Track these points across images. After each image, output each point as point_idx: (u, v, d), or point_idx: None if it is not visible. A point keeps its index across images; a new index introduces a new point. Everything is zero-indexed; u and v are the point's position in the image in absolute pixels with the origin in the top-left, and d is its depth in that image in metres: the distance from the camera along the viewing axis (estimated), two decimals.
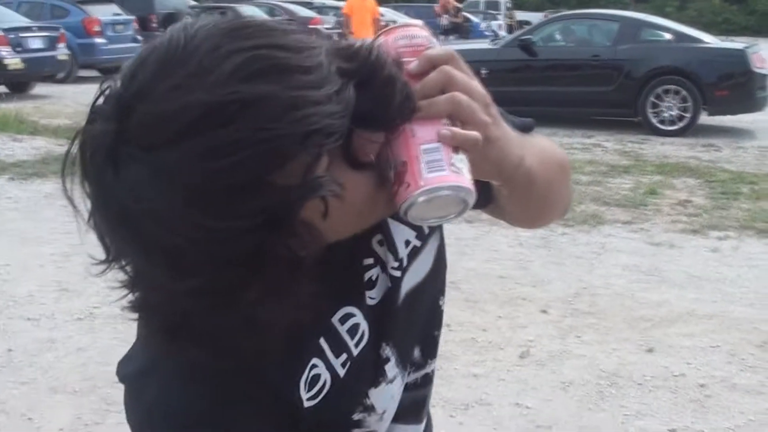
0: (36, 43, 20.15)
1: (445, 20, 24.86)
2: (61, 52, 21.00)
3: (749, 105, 15.28)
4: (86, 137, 0.98)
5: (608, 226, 8.71)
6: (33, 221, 8.75)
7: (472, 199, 1.07)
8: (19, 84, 20.48)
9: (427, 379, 1.52)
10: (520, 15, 53.76)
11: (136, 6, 25.60)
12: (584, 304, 6.58)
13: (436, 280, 1.47)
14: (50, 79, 21.23)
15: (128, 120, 0.93)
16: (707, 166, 11.94)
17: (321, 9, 39.07)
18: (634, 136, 14.63)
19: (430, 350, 1.50)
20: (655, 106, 14.98)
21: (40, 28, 20.94)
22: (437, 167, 1.04)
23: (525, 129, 1.36)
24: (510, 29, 40.90)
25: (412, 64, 1.10)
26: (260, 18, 1.05)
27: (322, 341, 1.27)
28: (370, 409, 1.37)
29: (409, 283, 1.38)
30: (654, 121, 14.98)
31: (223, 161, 0.90)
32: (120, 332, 5.68)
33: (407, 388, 1.45)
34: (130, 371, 1.24)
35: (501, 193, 1.30)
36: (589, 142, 14.10)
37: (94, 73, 23.54)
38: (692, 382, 5.26)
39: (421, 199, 1.04)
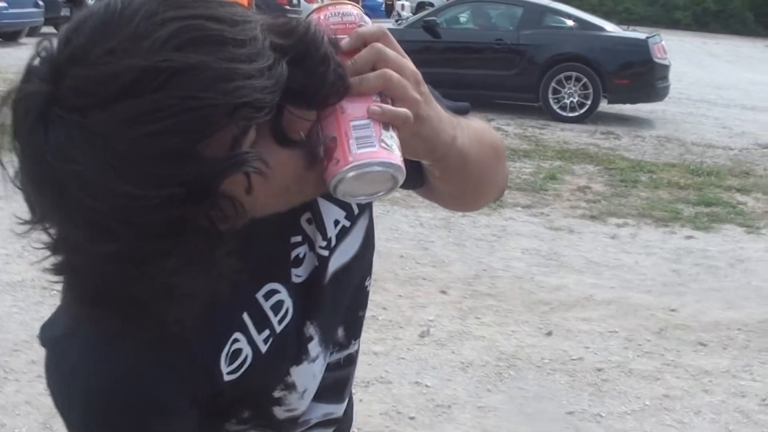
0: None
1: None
2: None
3: (649, 94, 15.50)
4: (19, 96, 0.98)
5: (509, 210, 8.74)
6: None
7: (401, 176, 1.08)
8: None
9: (350, 360, 1.52)
10: None
11: None
12: (484, 286, 6.59)
13: (363, 261, 1.47)
14: None
15: (61, 82, 0.94)
16: (606, 153, 12.06)
17: None
18: (534, 121, 14.72)
19: (354, 330, 1.51)
20: (556, 92, 15.08)
21: None
22: (367, 143, 1.05)
23: (460, 112, 1.35)
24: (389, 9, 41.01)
25: (344, 41, 1.11)
26: None
27: (245, 316, 1.26)
28: (291, 387, 1.37)
29: (336, 262, 1.38)
30: (555, 107, 15.09)
31: (150, 127, 0.90)
32: (19, 300, 5.52)
33: (329, 367, 1.45)
34: (52, 335, 1.23)
35: (433, 174, 1.30)
36: (491, 125, 14.10)
37: None
38: (590, 366, 5.29)
39: (350, 174, 1.05)
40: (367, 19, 1.16)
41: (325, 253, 1.35)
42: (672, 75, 16.04)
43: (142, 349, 1.14)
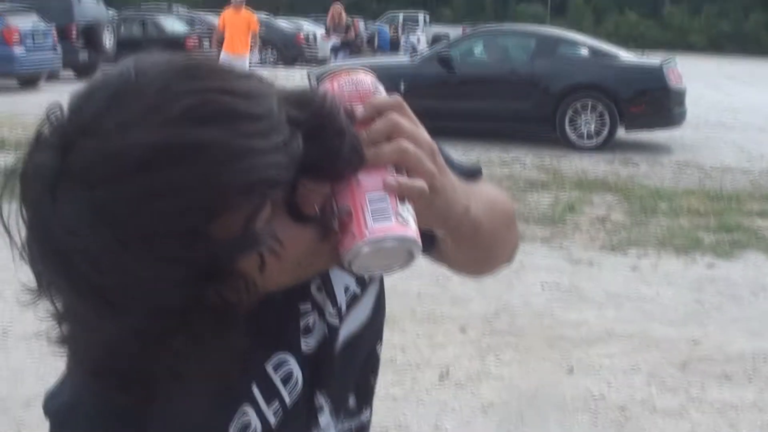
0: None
1: (334, 38, 23.60)
2: None
3: (666, 120, 15.45)
4: (28, 165, 0.96)
5: (527, 244, 8.64)
6: None
7: (417, 251, 1.06)
8: None
9: (362, 427, 1.47)
10: (438, 29, 54.24)
11: (56, 16, 25.21)
12: (503, 323, 6.51)
13: (374, 327, 1.43)
14: None
15: (71, 154, 0.91)
16: (625, 182, 11.99)
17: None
18: (552, 152, 14.68)
19: (365, 397, 1.47)
20: (572, 121, 15.05)
21: None
22: (383, 217, 1.03)
23: (472, 175, 1.35)
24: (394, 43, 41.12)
25: (359, 110, 1.09)
26: (213, 60, 1.02)
27: (254, 388, 1.23)
28: None
29: (346, 330, 1.35)
30: (572, 136, 15.05)
31: (162, 205, 0.89)
32: (33, 352, 5.50)
33: None
34: (55, 406, 1.19)
35: (445, 242, 1.27)
36: (508, 157, 14.10)
37: (13, 82, 23.22)
38: (612, 404, 5.21)
39: (365, 249, 1.03)
40: (381, 87, 1.14)
41: (336, 321, 1.32)
42: (688, 99, 16.01)
43: (148, 426, 1.12)
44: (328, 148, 1.01)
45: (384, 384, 5.31)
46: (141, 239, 0.90)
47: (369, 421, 1.49)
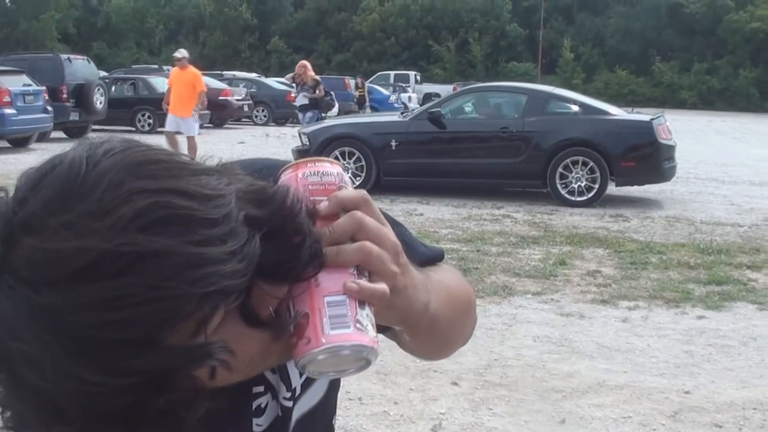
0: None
1: (301, 96, 22.11)
2: None
3: (656, 176, 15.56)
4: None
5: (519, 297, 8.73)
6: None
7: (374, 358, 1.02)
8: None
9: None
10: (429, 87, 54.60)
11: (47, 77, 25.36)
12: (495, 376, 6.54)
13: (328, 404, 1.41)
14: None
15: (13, 250, 0.87)
16: (616, 236, 12.06)
17: (231, 81, 39.37)
18: (543, 207, 14.76)
19: None
20: (563, 177, 15.14)
21: None
22: (341, 324, 0.99)
23: (433, 259, 1.34)
24: (361, 101, 40.99)
25: (322, 204, 1.04)
26: (169, 152, 0.97)
27: None
28: None
29: (300, 410, 1.32)
30: (563, 192, 15.14)
31: (110, 315, 0.84)
32: None
33: None
34: None
35: (402, 336, 1.25)
36: (499, 213, 14.17)
37: (3, 143, 23.29)
38: None
39: (321, 357, 0.99)
40: (347, 179, 1.10)
41: (289, 403, 1.29)
42: (679, 154, 16.15)
43: None
44: (286, 250, 0.96)
45: None
46: (86, 347, 0.84)
47: None
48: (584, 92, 20.20)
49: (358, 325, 0.99)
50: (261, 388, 1.25)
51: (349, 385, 6.05)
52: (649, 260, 10.42)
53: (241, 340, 0.96)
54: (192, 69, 18.63)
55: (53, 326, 0.84)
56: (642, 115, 16.94)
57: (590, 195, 15.07)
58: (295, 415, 1.31)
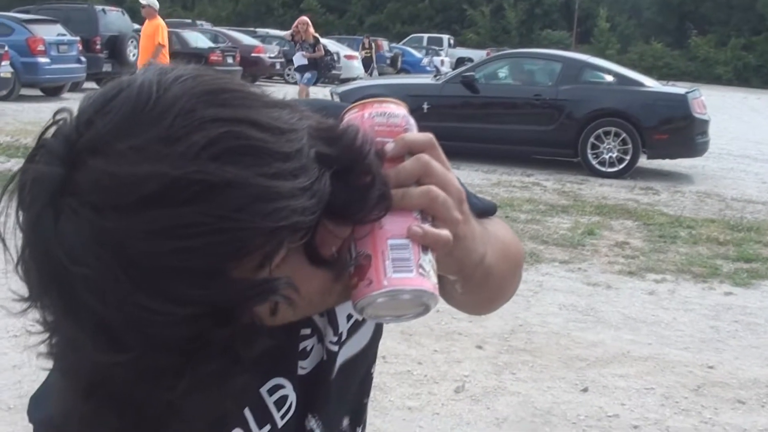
0: None
1: (299, 56, 20.44)
2: (5, 70, 20.72)
3: (689, 150, 15.46)
4: (29, 175, 0.87)
5: (546, 265, 8.72)
6: None
7: (434, 304, 1.00)
8: None
9: None
10: (462, 52, 54.33)
11: (81, 27, 25.40)
12: (520, 342, 6.55)
13: (371, 351, 1.41)
14: None
15: (78, 170, 0.84)
16: (645, 209, 12.02)
17: (264, 38, 39.30)
18: (573, 177, 14.73)
19: (358, 418, 1.45)
20: (594, 147, 15.07)
21: None
22: (404, 267, 0.97)
23: (487, 212, 1.31)
24: (366, 62, 40.20)
25: (388, 145, 1.02)
26: (241, 82, 0.94)
27: (247, 411, 1.19)
28: None
29: (344, 355, 1.32)
30: (593, 162, 15.07)
31: (176, 243, 0.81)
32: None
33: None
34: (40, 417, 1.15)
35: (454, 287, 1.20)
36: (529, 180, 14.15)
37: (36, 92, 23.37)
38: (626, 423, 5.23)
39: (381, 300, 0.97)
40: (412, 121, 1.07)
41: (335, 348, 1.28)
42: (712, 130, 16.00)
43: None
44: (355, 191, 0.94)
45: (400, 395, 5.38)
46: (150, 274, 0.82)
47: None
48: (618, 63, 20.00)
49: (420, 270, 0.97)
50: (308, 331, 1.25)
51: None
52: (678, 234, 10.39)
53: (302, 278, 0.94)
54: (157, 20, 17.90)
55: (117, 251, 0.82)
56: (677, 88, 16.82)
57: (621, 166, 15.01)
58: (339, 360, 1.30)
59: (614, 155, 14.99)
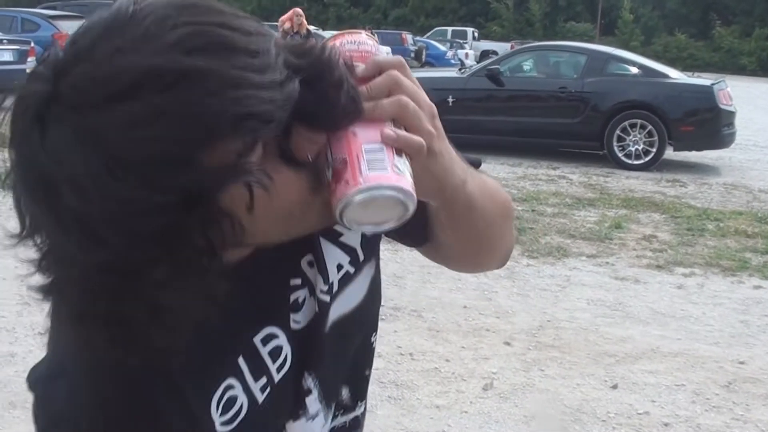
0: (6, 56, 19.85)
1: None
2: (31, 66, 20.56)
3: (715, 141, 15.33)
4: (18, 97, 0.96)
5: (573, 259, 8.67)
6: None
7: (412, 204, 1.03)
8: None
9: (356, 423, 1.46)
10: (486, 45, 54.26)
11: None
12: (548, 338, 6.51)
13: (368, 314, 1.41)
14: None
15: (63, 80, 0.91)
16: (672, 201, 11.94)
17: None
18: (599, 169, 14.65)
19: (359, 391, 1.45)
20: (620, 139, 14.98)
21: (11, 41, 20.65)
22: (379, 166, 1.01)
23: (472, 164, 1.31)
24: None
25: (360, 67, 1.08)
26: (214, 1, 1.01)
27: (241, 360, 1.20)
28: None
29: (337, 310, 1.31)
30: (620, 154, 14.98)
31: (151, 130, 0.88)
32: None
33: (335, 431, 1.39)
34: (39, 376, 1.19)
35: (438, 220, 1.27)
36: (555, 173, 14.09)
37: None
38: (656, 421, 5.19)
39: (359, 197, 1.00)
40: (382, 49, 1.15)
41: (326, 298, 1.28)
42: (738, 121, 15.90)
43: (133, 390, 1.09)
44: (325, 95, 0.99)
45: (428, 393, 5.36)
46: (128, 164, 0.89)
47: (363, 415, 1.48)
48: (642, 55, 19.90)
49: (395, 169, 1.01)
50: (298, 281, 1.27)
51: (400, 339, 6.06)
52: (706, 227, 10.31)
53: (279, 179, 0.99)
54: None
55: (98, 147, 0.89)
56: (703, 79, 16.72)
57: (647, 159, 14.90)
58: (332, 314, 1.30)
59: (640, 147, 14.90)
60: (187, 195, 0.91)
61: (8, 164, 0.98)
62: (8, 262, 7.52)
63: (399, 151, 1.03)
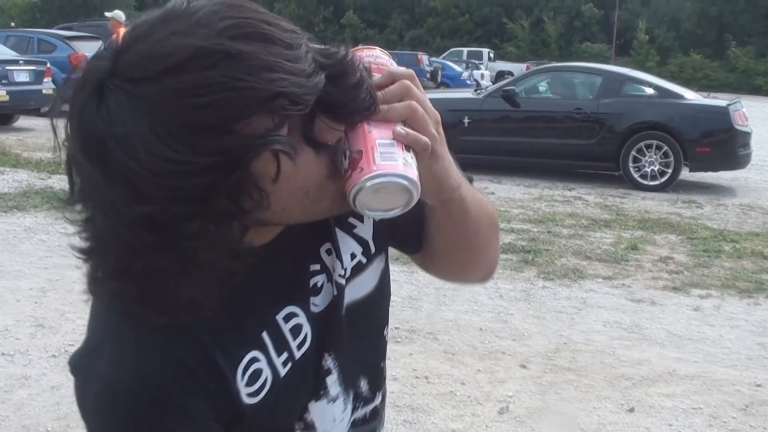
0: (22, 77, 19.89)
1: None
2: (47, 87, 20.74)
3: (731, 162, 15.30)
4: (80, 76, 1.10)
5: (589, 281, 8.64)
6: (12, 254, 8.62)
7: (417, 193, 1.18)
8: (3, 116, 20.31)
9: (375, 413, 1.55)
10: (502, 66, 54.28)
11: None
12: (564, 360, 6.48)
13: (380, 305, 1.54)
14: (35, 112, 21.00)
15: (122, 57, 1.06)
16: (689, 222, 11.89)
17: None
18: (615, 190, 14.62)
19: (377, 382, 1.55)
20: (636, 160, 14.96)
21: (27, 62, 20.67)
22: (390, 158, 1.16)
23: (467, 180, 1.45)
24: None
25: (376, 77, 1.25)
26: (255, 3, 1.15)
27: (265, 335, 1.31)
28: (311, 427, 1.40)
29: (351, 295, 1.43)
30: (635, 175, 14.96)
31: (196, 100, 1.02)
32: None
33: (356, 423, 1.50)
34: (78, 359, 1.25)
35: (435, 221, 1.43)
36: (571, 194, 14.06)
37: None
38: None
39: (371, 182, 1.15)
40: (395, 64, 1.31)
41: (342, 281, 1.40)
42: (754, 142, 15.85)
43: (166, 351, 1.20)
44: (346, 91, 1.15)
45: (443, 417, 5.34)
46: (174, 128, 1.03)
47: (383, 405, 1.59)
48: (658, 75, 19.88)
49: (404, 161, 1.17)
50: (317, 267, 1.39)
51: (415, 362, 6.04)
52: (722, 248, 10.26)
53: (301, 158, 1.13)
54: (121, 32, 17.95)
55: (148, 111, 1.03)
56: (718, 100, 16.68)
57: (663, 179, 14.86)
58: (347, 298, 1.42)
59: (656, 168, 14.87)
60: (223, 159, 1.04)
61: (64, 138, 1.13)
62: (22, 284, 7.57)
63: (407, 148, 1.20)
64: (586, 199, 13.64)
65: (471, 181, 1.47)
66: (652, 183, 14.87)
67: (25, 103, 20.28)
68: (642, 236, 10.83)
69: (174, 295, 1.15)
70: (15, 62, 20.28)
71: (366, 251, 1.47)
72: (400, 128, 1.20)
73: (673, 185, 14.87)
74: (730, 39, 72.67)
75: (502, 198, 13.22)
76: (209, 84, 1.02)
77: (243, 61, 1.04)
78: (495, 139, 15.44)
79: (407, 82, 1.24)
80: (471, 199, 1.40)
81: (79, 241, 1.17)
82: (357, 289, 1.45)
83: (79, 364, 1.24)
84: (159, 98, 1.03)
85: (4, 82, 19.35)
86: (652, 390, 5.96)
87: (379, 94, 1.21)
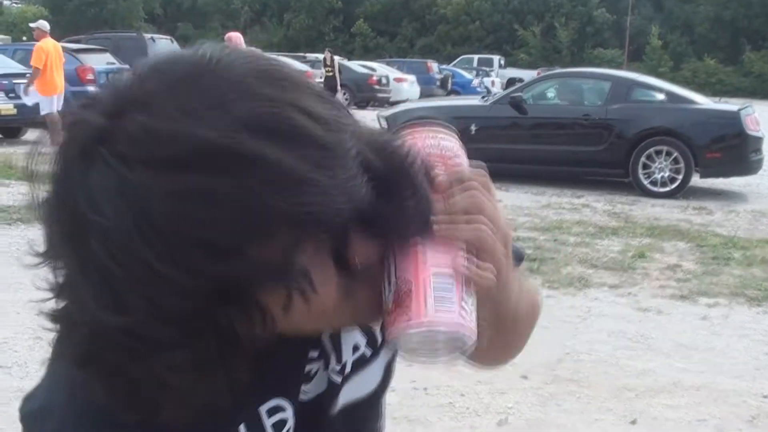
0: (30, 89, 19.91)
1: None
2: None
3: (742, 168, 15.18)
4: (73, 121, 0.89)
5: (595, 290, 8.52)
6: (14, 267, 8.54)
7: (471, 344, 0.97)
8: (10, 129, 20.39)
9: None
10: (513, 72, 54.34)
11: (130, 56, 25.59)
12: (567, 371, 6.36)
13: (379, 402, 1.31)
14: (42, 125, 21.02)
15: (118, 121, 0.85)
16: (698, 229, 11.77)
17: (314, 63, 39.53)
18: (624, 197, 14.51)
19: None
20: (646, 167, 14.85)
21: None
22: (447, 304, 0.94)
23: (519, 259, 1.24)
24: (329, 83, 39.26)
25: (440, 176, 1.02)
26: (299, 72, 0.94)
27: (242, 428, 1.10)
28: None
29: (349, 395, 1.22)
30: (645, 182, 14.84)
31: (197, 209, 0.81)
32: None
33: None
34: (30, 408, 1.08)
35: (483, 334, 1.13)
36: (579, 201, 13.96)
37: None
38: None
39: (419, 337, 0.94)
40: (462, 151, 1.08)
41: (338, 378, 1.20)
42: (766, 147, 15.71)
43: None
44: (397, 204, 0.93)
45: (441, 429, 5.25)
46: (165, 237, 0.82)
47: None
48: (671, 81, 19.87)
49: (463, 310, 0.95)
50: (316, 354, 1.18)
51: (414, 373, 5.92)
52: (732, 256, 10.12)
53: (324, 281, 0.91)
54: (42, 41, 17.74)
55: (137, 207, 0.82)
56: (729, 104, 16.56)
57: (673, 186, 14.75)
58: (342, 399, 1.21)
59: (666, 175, 14.76)
60: (223, 285, 0.85)
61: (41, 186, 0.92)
62: (21, 296, 7.49)
63: (469, 284, 0.97)
64: (595, 207, 13.55)
65: (522, 258, 1.29)
66: (662, 190, 14.75)
67: (33, 117, 20.26)
68: (650, 244, 10.71)
69: (147, 404, 0.94)
70: (22, 76, 20.20)
71: (371, 341, 1.24)
72: (464, 263, 0.97)
73: (683, 191, 14.75)
74: (745, 43, 72.55)
75: (510, 206, 13.10)
76: (214, 192, 0.81)
77: (263, 169, 0.82)
78: (502, 146, 15.32)
79: (477, 193, 1.02)
80: (524, 312, 1.20)
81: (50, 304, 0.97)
82: (358, 388, 1.24)
83: (28, 416, 1.09)
84: (152, 194, 0.82)
85: (11, 95, 19.40)
86: (655, 401, 5.84)
87: (442, 204, 1.00)
